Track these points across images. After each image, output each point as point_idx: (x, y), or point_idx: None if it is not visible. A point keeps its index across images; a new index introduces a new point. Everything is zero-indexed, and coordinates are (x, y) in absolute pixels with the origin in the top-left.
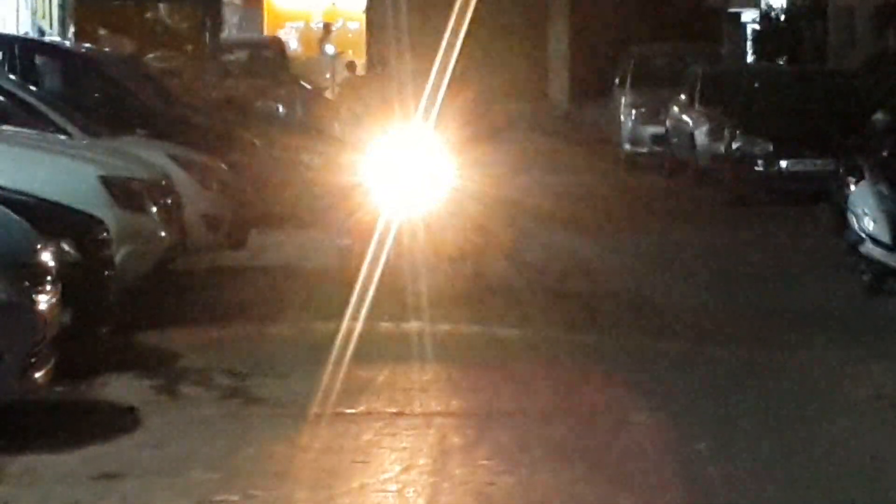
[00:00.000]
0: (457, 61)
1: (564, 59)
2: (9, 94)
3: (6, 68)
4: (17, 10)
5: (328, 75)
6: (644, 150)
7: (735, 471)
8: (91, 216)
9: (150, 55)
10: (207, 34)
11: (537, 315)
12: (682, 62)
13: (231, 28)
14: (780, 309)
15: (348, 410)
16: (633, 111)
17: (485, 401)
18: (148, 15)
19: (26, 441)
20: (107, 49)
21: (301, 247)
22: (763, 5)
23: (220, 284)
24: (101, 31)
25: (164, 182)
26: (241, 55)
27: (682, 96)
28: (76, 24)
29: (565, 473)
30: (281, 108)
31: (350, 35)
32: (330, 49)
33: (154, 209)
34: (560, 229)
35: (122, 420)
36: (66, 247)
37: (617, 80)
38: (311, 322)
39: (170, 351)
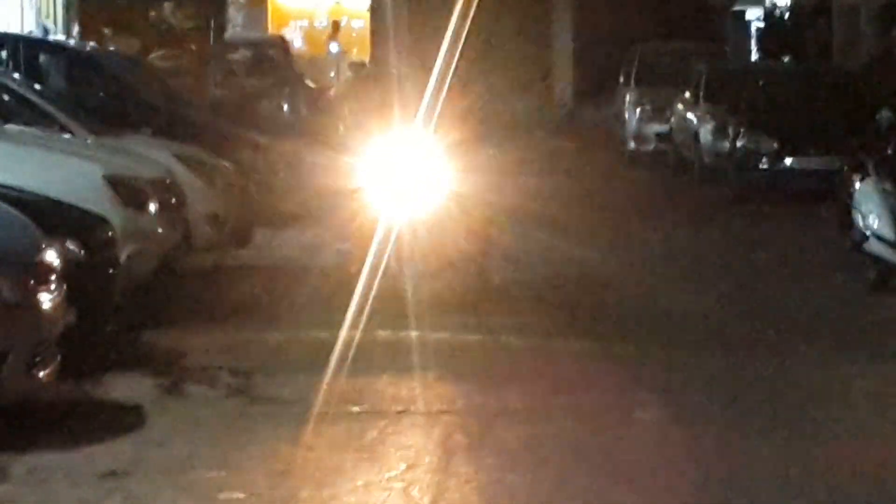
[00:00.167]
0: (461, 60)
1: (568, 57)
2: (14, 93)
3: (11, 67)
4: (22, 9)
5: (332, 74)
6: (648, 148)
7: (739, 471)
8: (96, 215)
9: (155, 54)
10: (212, 33)
11: (538, 317)
12: (687, 60)
13: (235, 27)
14: (784, 308)
15: (353, 409)
16: (638, 109)
17: (490, 400)
18: (152, 14)
19: (31, 440)
20: (111, 48)
21: (306, 245)
22: (767, 4)
23: (224, 283)
24: (106, 30)
25: (168, 181)
26: (246, 54)
27: (687, 94)
28: (80, 24)
29: (570, 472)
30: (286, 107)
31: (354, 34)
32: (335, 47)
33: (159, 208)
34: (563, 230)
35: (127, 419)
36: (70, 246)
37: (621, 79)
38: (316, 321)
39: (175, 349)
